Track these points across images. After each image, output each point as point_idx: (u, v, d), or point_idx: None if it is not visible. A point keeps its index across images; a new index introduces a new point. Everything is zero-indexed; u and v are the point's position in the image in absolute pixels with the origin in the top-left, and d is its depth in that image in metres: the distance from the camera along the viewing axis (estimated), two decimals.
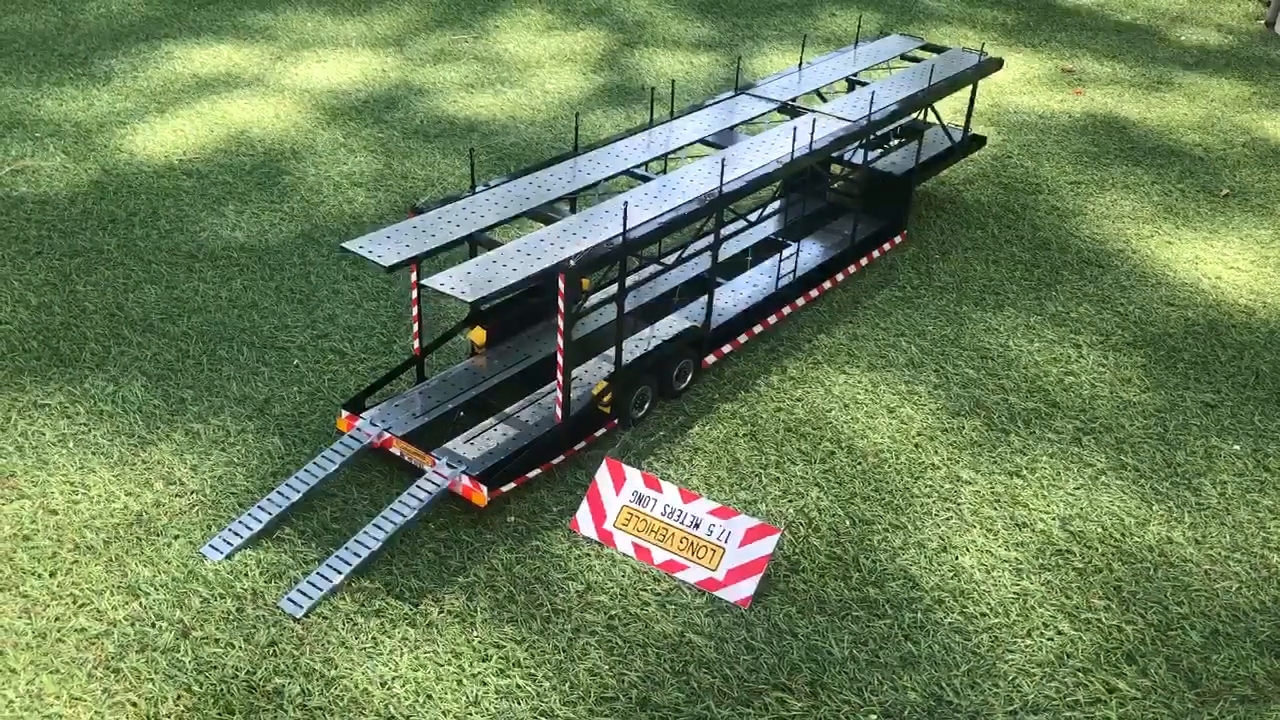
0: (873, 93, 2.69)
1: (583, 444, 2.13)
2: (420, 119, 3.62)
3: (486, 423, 2.12)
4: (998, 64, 3.14)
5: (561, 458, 2.09)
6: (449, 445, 2.04)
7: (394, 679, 1.66)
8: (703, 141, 2.53)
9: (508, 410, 2.16)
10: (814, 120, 2.50)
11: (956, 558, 1.93)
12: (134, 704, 1.60)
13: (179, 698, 1.62)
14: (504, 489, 1.98)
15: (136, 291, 2.63)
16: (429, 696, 1.63)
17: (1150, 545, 1.99)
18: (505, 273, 1.91)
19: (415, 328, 2.19)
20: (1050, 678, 1.72)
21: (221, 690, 1.63)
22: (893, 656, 1.74)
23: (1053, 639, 1.78)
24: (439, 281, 1.87)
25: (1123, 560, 1.94)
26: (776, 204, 2.91)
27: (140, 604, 1.77)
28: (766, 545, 1.84)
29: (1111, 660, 1.75)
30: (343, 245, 1.97)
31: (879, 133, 2.74)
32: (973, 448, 2.21)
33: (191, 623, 1.74)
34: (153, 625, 1.73)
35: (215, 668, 1.67)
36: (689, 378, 2.32)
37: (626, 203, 2.09)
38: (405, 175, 3.24)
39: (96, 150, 3.32)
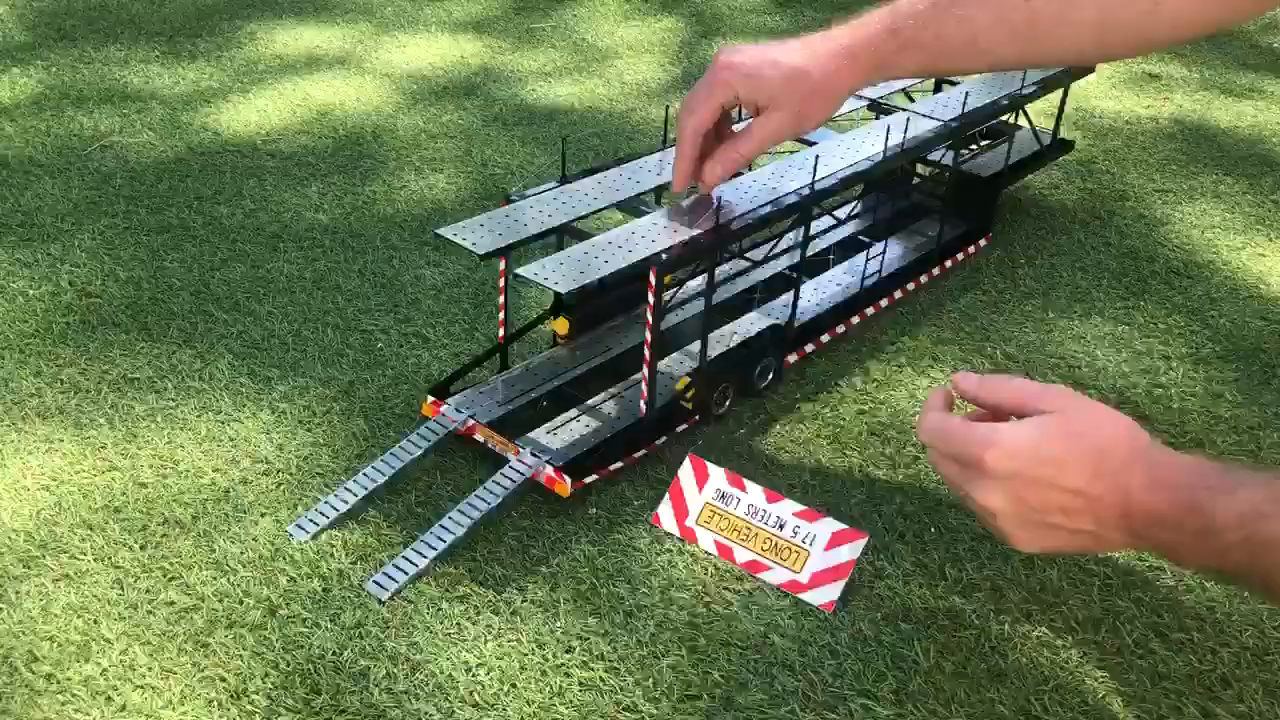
0: (965, 93, 2.65)
1: (664, 438, 2.12)
2: (499, 106, 3.63)
3: (570, 413, 2.11)
4: (1089, 67, 3.08)
5: (644, 451, 2.08)
6: (533, 435, 2.04)
7: (479, 666, 1.66)
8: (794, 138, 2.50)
9: (591, 401, 2.15)
10: (907, 119, 2.46)
11: (1044, 570, 1.90)
12: (223, 679, 1.62)
13: (267, 675, 1.63)
14: (587, 480, 1.98)
15: (222, 269, 2.66)
16: (514, 685, 1.63)
17: None
18: (597, 264, 1.90)
19: (501, 315, 2.19)
20: (1141, 699, 1.68)
21: (308, 669, 1.64)
22: (980, 669, 1.71)
23: (1144, 658, 1.75)
24: (532, 271, 1.87)
25: (1216, 580, 1.90)
26: (861, 203, 2.88)
27: (228, 580, 1.79)
28: (852, 550, 1.82)
29: (1205, 684, 1.71)
30: (437, 231, 1.97)
31: (969, 133, 2.69)
32: None
33: (278, 601, 1.76)
34: (240, 602, 1.75)
35: (302, 647, 1.68)
36: (770, 376, 2.30)
37: (719, 197, 2.07)
38: (485, 162, 3.25)
39: (182, 128, 3.36)
